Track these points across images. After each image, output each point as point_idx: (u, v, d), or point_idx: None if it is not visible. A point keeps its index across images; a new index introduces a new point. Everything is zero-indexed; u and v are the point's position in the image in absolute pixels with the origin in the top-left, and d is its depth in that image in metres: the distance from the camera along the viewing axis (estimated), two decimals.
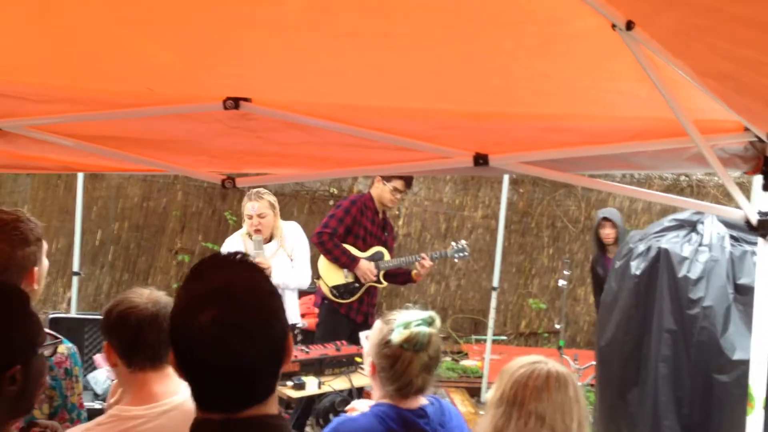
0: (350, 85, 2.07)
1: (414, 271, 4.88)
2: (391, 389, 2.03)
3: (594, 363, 4.01)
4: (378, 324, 2.08)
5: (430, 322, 2.03)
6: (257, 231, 4.26)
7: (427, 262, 4.81)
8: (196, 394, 1.22)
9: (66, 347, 2.00)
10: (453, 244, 5.12)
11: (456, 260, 5.78)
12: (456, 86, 1.99)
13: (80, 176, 5.91)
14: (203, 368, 1.19)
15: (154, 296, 1.88)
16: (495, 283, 6.26)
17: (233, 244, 4.41)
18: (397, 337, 1.99)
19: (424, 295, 7.86)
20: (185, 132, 2.20)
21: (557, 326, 6.18)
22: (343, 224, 4.64)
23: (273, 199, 4.35)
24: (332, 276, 4.70)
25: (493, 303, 6.28)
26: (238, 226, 7.72)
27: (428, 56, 1.89)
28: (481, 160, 2.12)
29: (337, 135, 2.17)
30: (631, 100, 1.85)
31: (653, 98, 1.77)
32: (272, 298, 1.24)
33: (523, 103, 1.99)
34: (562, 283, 5.90)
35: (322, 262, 4.73)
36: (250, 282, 1.22)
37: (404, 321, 2.01)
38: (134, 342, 1.84)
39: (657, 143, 1.98)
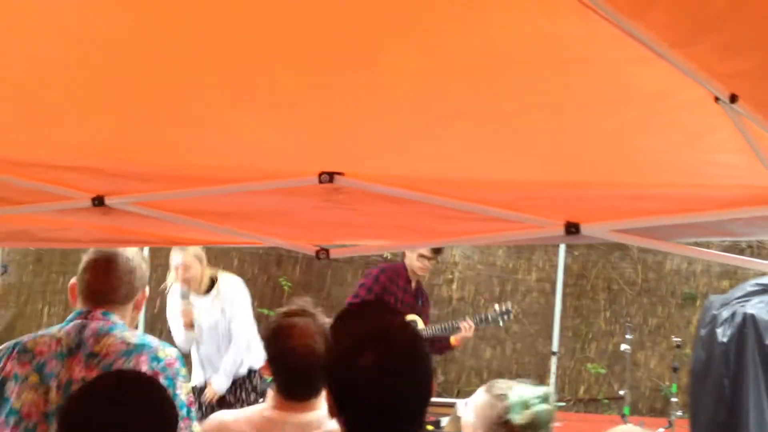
0: (445, 160, 2.13)
1: (454, 337, 4.80)
2: None
3: (662, 430, 3.92)
4: (485, 397, 2.06)
5: (546, 398, 2.02)
6: (184, 282, 4.49)
7: (469, 325, 4.75)
8: (349, 428, 1.32)
9: (172, 350, 2.18)
10: (496, 307, 5.07)
11: (500, 324, 5.62)
12: (552, 159, 2.03)
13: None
14: (360, 407, 1.30)
15: None
16: (554, 347, 6.18)
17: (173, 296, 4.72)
18: (518, 419, 1.96)
19: (479, 359, 7.78)
20: (280, 205, 2.28)
21: (621, 392, 6.04)
22: (372, 293, 4.62)
23: (199, 251, 4.51)
24: None
25: (553, 368, 6.19)
26: (294, 292, 7.83)
27: (526, 133, 1.95)
28: (573, 228, 2.15)
29: (427, 206, 2.22)
30: (730, 171, 1.88)
31: (752, 168, 1.80)
32: (422, 342, 1.37)
33: (617, 173, 2.02)
34: (624, 347, 5.80)
35: None
36: (405, 327, 1.37)
37: (522, 399, 1.99)
38: None
39: (754, 210, 1.98)
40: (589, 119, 1.80)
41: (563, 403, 7.78)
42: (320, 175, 2.20)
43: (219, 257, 7.62)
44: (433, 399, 1.92)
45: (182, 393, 2.11)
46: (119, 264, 2.23)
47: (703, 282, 7.67)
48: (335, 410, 1.33)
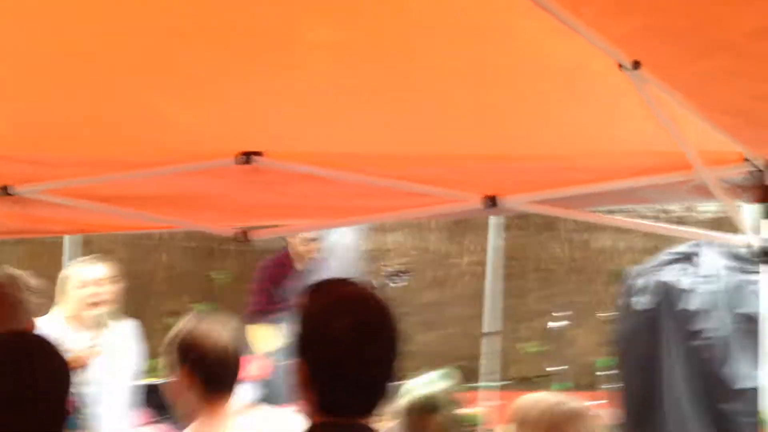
0: (366, 136, 2.13)
1: None
2: None
3: (596, 404, 4.01)
4: (399, 399, 2.08)
5: (436, 381, 2.04)
6: (95, 304, 3.05)
7: None
8: (324, 399, 1.32)
9: None
10: (384, 269, 5.13)
11: (393, 286, 5.54)
12: (468, 131, 2.05)
13: (67, 243, 5.86)
14: (335, 374, 1.30)
15: None
16: (486, 328, 6.27)
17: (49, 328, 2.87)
18: (403, 403, 1.98)
19: (414, 343, 7.83)
20: (198, 187, 2.24)
21: (549, 369, 6.19)
22: (265, 291, 4.72)
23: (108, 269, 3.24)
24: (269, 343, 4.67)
25: (484, 349, 6.28)
26: (227, 284, 7.73)
27: (441, 103, 1.96)
28: (490, 201, 2.18)
29: (349, 184, 2.21)
30: (639, 138, 1.93)
31: (658, 134, 1.85)
32: (391, 309, 1.40)
33: (535, 145, 2.05)
34: (554, 325, 5.93)
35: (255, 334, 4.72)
36: (374, 294, 1.39)
37: (413, 388, 2.01)
38: None
39: (664, 177, 2.05)
40: (507, 91, 1.82)
41: (497, 383, 7.92)
42: (237, 156, 2.17)
43: (150, 253, 7.46)
44: None
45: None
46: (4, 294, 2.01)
47: (628, 259, 7.90)
48: (306, 385, 1.33)
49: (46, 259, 7.30)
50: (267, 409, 2.24)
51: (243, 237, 2.32)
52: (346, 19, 1.67)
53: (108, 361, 3.11)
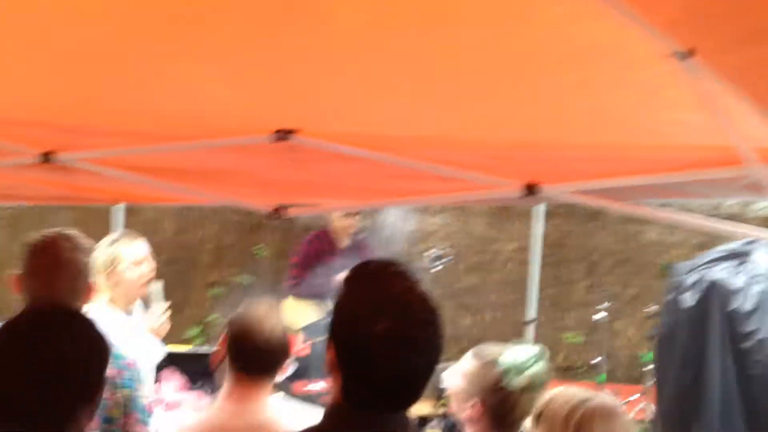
0: (398, 117, 2.08)
1: None
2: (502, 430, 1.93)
3: (636, 397, 3.94)
4: (475, 363, 1.97)
5: (540, 357, 1.96)
6: (147, 283, 3.01)
7: None
8: (351, 390, 1.28)
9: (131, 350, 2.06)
10: (428, 252, 5.08)
11: (436, 269, 5.45)
12: (508, 116, 1.99)
13: (114, 210, 5.97)
14: (369, 373, 1.26)
15: None
16: (530, 316, 6.19)
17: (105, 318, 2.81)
18: (516, 382, 1.89)
19: (457, 328, 7.80)
20: (235, 163, 2.23)
21: (594, 360, 6.09)
22: (307, 267, 4.70)
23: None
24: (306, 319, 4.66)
25: (529, 336, 6.20)
26: (269, 260, 7.80)
27: (481, 86, 1.90)
28: (531, 189, 2.11)
29: (386, 166, 2.17)
30: (687, 130, 1.84)
31: (708, 127, 1.76)
32: (439, 313, 1.32)
33: (576, 132, 1.98)
34: (600, 316, 5.82)
35: (293, 309, 4.69)
36: (423, 295, 1.29)
37: (517, 362, 1.91)
38: None
39: (713, 172, 1.95)
40: (549, 76, 1.76)
41: None
42: (274, 133, 2.15)
43: (196, 225, 7.57)
44: None
45: (141, 396, 2.05)
46: (65, 263, 1.99)
47: (678, 253, 7.69)
48: (334, 368, 1.29)
49: (94, 226, 7.47)
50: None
51: (278, 214, 2.31)
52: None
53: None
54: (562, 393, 1.77)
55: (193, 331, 7.23)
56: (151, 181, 2.27)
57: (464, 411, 1.96)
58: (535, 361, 1.95)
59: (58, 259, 1.98)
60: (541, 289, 7.30)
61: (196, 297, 7.49)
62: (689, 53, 1.46)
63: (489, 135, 2.10)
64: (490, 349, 2.01)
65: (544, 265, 7.75)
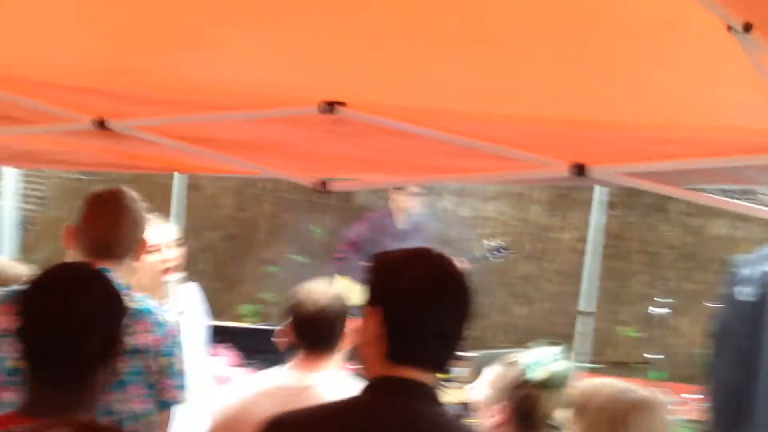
0: (446, 90, 2.05)
1: None
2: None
3: (693, 397, 3.83)
4: (498, 370, 1.99)
5: (561, 356, 1.95)
6: (166, 270, 2.79)
7: (461, 263, 4.73)
8: (393, 348, 1.34)
9: (172, 316, 2.11)
10: (485, 242, 5.03)
11: (492, 260, 5.42)
12: (555, 93, 1.93)
13: (176, 185, 6.11)
14: (412, 322, 1.33)
15: None
16: (582, 307, 6.08)
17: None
18: (536, 374, 1.89)
19: (508, 316, 7.72)
20: (279, 134, 2.23)
21: (649, 357, 5.94)
22: (360, 247, 4.67)
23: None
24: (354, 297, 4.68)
25: (579, 328, 6.09)
26: (324, 239, 7.86)
27: (528, 61, 1.85)
28: (578, 169, 2.05)
29: (430, 141, 2.14)
30: (744, 110, 1.75)
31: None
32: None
33: (626, 111, 1.91)
34: (658, 311, 5.67)
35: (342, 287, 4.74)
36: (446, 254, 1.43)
37: (536, 358, 1.92)
38: None
39: None
40: (593, 48, 1.70)
41: (593, 365, 7.69)
42: (321, 104, 2.14)
43: (254, 203, 7.68)
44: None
45: (179, 363, 2.07)
46: (126, 212, 2.04)
47: (745, 249, 7.42)
48: (376, 334, 1.36)
49: (155, 200, 7.65)
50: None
51: (322, 187, 2.30)
52: None
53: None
54: (604, 385, 1.74)
55: (247, 308, 7.36)
56: (199, 151, 2.30)
57: (491, 418, 1.96)
58: (556, 359, 1.94)
59: (119, 208, 2.05)
60: (598, 281, 7.16)
61: (251, 274, 7.62)
62: (747, 27, 1.39)
63: (537, 112, 2.04)
64: (510, 355, 2.03)
65: (603, 257, 7.59)
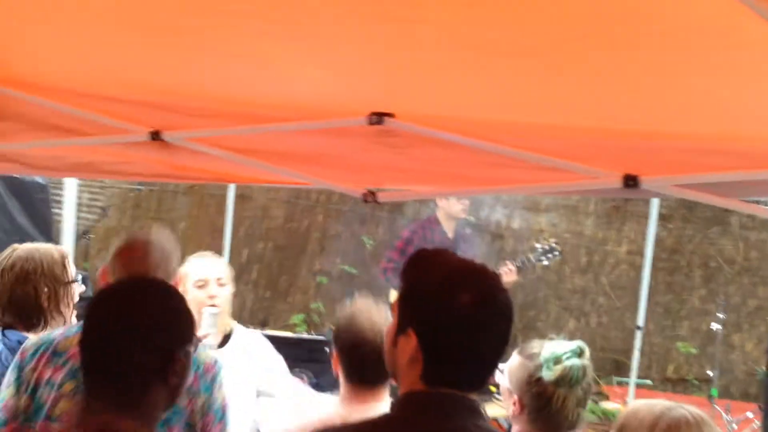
0: (493, 101, 2.04)
1: None
2: (543, 428, 1.92)
3: (750, 415, 3.69)
4: (517, 359, 1.98)
5: (579, 353, 1.92)
6: (212, 304, 2.78)
7: (509, 269, 4.68)
8: (429, 370, 1.30)
9: (211, 354, 2.08)
10: (537, 245, 4.94)
11: (545, 263, 5.34)
12: (603, 102, 1.90)
13: (230, 197, 6.22)
14: (448, 347, 1.28)
15: None
16: (640, 322, 5.94)
17: None
18: (549, 375, 1.88)
19: (561, 330, 7.60)
20: (328, 146, 2.25)
21: (709, 373, 5.77)
22: (406, 255, 4.62)
23: (231, 272, 2.96)
24: None
25: (638, 343, 5.95)
26: (375, 250, 7.88)
27: (576, 71, 1.83)
28: (631, 181, 2.01)
29: (478, 152, 2.13)
30: None
31: None
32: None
33: (679, 121, 1.87)
34: (716, 326, 5.51)
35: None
36: (487, 268, 1.36)
37: (553, 355, 1.90)
38: None
39: None
40: (642, 56, 1.67)
41: (649, 381, 7.50)
42: (370, 116, 2.15)
43: (304, 213, 7.75)
44: None
45: (219, 398, 2.07)
46: (155, 250, 2.11)
47: None
48: (413, 355, 1.31)
49: (213, 210, 7.81)
50: None
51: (372, 198, 2.31)
52: None
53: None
54: (645, 404, 1.71)
55: (297, 317, 7.44)
56: (250, 162, 2.34)
57: (509, 408, 1.96)
58: (572, 355, 1.91)
59: (148, 246, 2.10)
60: (654, 296, 7.00)
61: (302, 284, 7.69)
62: None
63: (587, 123, 2.02)
64: (534, 343, 1.99)
65: (658, 270, 7.42)
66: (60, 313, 2.32)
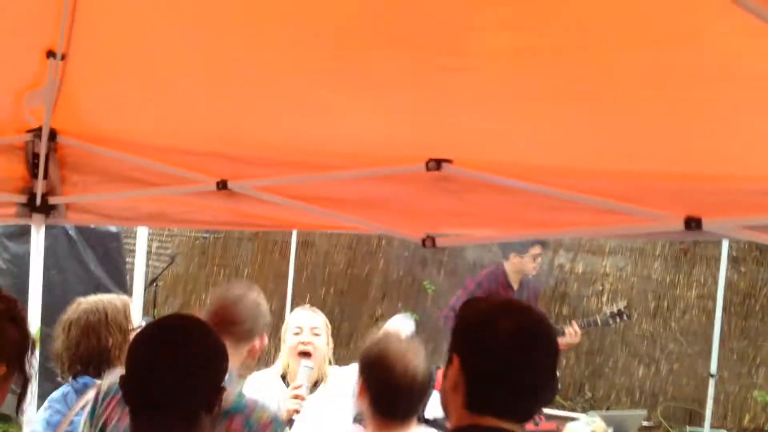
0: (551, 146, 2.06)
1: (560, 340, 4.61)
2: None
3: None
4: None
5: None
6: (305, 353, 2.88)
7: (574, 331, 4.55)
8: (477, 398, 1.33)
9: (268, 412, 2.00)
10: (606, 309, 4.80)
11: (611, 325, 5.16)
12: (662, 145, 1.90)
13: (293, 243, 6.35)
14: (492, 374, 1.32)
15: None
16: (713, 369, 5.73)
17: (263, 380, 2.97)
18: None
19: (631, 378, 7.37)
20: (388, 192, 2.30)
21: None
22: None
23: (328, 323, 3.08)
24: None
25: (711, 392, 5.73)
26: (436, 295, 7.86)
27: (632, 115, 1.84)
28: (693, 223, 1.99)
29: (536, 196, 2.14)
30: None
31: None
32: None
33: (738, 163, 1.85)
34: None
35: None
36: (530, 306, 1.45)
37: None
38: None
39: None
40: (700, 99, 1.67)
41: (724, 431, 7.18)
42: (428, 162, 2.20)
43: (365, 259, 7.81)
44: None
45: None
46: (246, 301, 2.14)
47: None
48: (458, 384, 1.36)
49: (277, 256, 7.95)
50: None
51: (431, 243, 2.34)
52: (522, 23, 1.63)
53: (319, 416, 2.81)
54: None
55: None
56: (311, 209, 2.40)
57: None
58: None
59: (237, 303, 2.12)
60: (727, 341, 6.74)
61: (363, 330, 7.70)
62: None
63: (647, 166, 2.01)
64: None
65: (731, 315, 7.16)
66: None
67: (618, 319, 4.75)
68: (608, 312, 4.76)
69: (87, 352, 2.38)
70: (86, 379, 2.38)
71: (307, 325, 2.94)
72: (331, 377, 2.97)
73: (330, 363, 3.01)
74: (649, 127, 1.88)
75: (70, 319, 2.43)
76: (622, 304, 4.80)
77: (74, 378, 2.40)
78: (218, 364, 1.51)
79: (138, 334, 1.57)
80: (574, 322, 4.63)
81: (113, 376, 2.21)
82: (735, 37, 1.45)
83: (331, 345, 3.02)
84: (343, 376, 2.95)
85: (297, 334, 2.93)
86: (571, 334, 4.56)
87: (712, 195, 1.95)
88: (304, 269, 7.78)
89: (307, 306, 3.15)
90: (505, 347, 1.32)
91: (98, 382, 2.25)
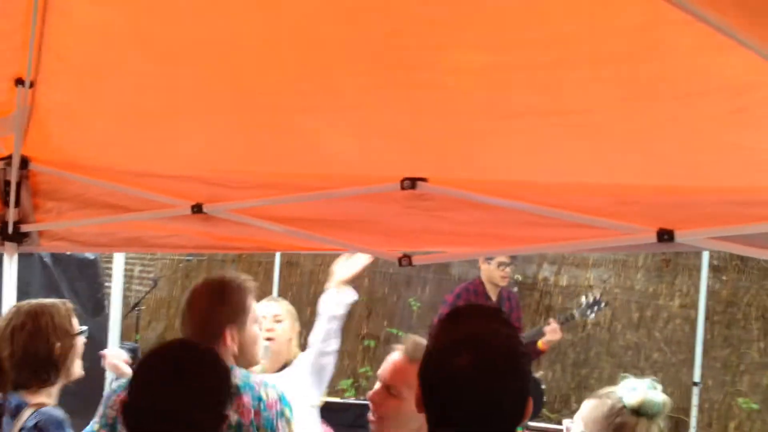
0: (524, 162, 2.07)
1: (541, 341, 4.62)
2: None
3: None
4: (592, 401, 1.99)
5: (654, 387, 1.94)
6: (269, 339, 3.13)
7: (552, 328, 4.58)
8: (434, 417, 1.33)
9: (275, 390, 2.11)
10: (582, 299, 4.84)
11: (590, 316, 5.19)
12: (634, 159, 1.92)
13: (277, 263, 6.31)
14: (451, 406, 1.30)
15: None
16: (696, 378, 5.76)
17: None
18: (631, 400, 1.88)
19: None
20: (364, 212, 2.30)
21: None
22: None
23: (293, 310, 3.38)
24: None
25: (695, 400, 5.76)
26: (422, 312, 7.85)
27: (603, 130, 1.86)
28: (666, 235, 2.00)
29: (512, 212, 2.15)
30: None
31: None
32: (520, 344, 1.37)
33: (709, 175, 1.87)
34: None
35: None
36: (500, 330, 1.36)
37: (632, 386, 1.92)
38: None
39: None
40: (669, 113, 1.69)
41: None
42: (402, 181, 2.20)
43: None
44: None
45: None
46: (226, 290, 2.21)
47: None
48: (420, 406, 1.37)
49: (261, 277, 7.90)
50: None
51: (408, 262, 2.34)
52: (496, 43, 1.65)
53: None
54: None
55: (345, 382, 7.39)
56: (287, 230, 2.40)
57: None
58: (650, 386, 1.94)
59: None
60: (710, 350, 6.78)
61: (349, 348, 7.66)
62: None
63: (619, 179, 2.03)
64: (606, 389, 2.01)
65: (714, 324, 7.20)
66: (72, 365, 2.33)
67: (596, 308, 4.79)
68: (584, 303, 4.79)
69: (33, 358, 2.25)
70: (18, 400, 2.23)
71: (269, 313, 3.17)
72: (297, 360, 3.20)
73: (299, 346, 3.26)
74: (621, 141, 1.90)
75: (11, 324, 2.29)
76: (597, 295, 4.84)
77: (5, 395, 2.24)
78: (223, 395, 1.51)
79: (142, 365, 1.55)
80: (552, 320, 4.67)
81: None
82: (701, 51, 1.47)
83: (297, 328, 3.29)
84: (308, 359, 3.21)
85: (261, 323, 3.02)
86: (551, 332, 4.60)
87: (683, 207, 1.97)
88: (288, 289, 7.75)
89: (272, 297, 3.39)
90: (459, 383, 1.30)
91: (31, 401, 2.19)
